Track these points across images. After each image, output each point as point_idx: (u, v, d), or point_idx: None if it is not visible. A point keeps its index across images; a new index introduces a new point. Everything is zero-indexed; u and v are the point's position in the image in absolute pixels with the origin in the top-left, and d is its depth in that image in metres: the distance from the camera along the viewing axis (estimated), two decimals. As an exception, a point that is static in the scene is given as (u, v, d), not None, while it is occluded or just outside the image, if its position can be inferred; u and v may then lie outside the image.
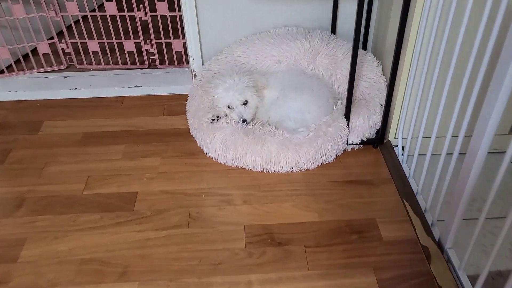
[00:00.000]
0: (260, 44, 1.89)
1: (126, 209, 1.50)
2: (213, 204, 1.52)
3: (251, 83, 1.71)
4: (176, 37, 2.23)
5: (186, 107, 1.90)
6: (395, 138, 1.79)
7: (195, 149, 1.78)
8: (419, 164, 1.53)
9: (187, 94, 1.98)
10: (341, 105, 1.73)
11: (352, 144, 1.74)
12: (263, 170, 1.65)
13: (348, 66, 1.75)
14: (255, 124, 1.68)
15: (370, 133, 1.74)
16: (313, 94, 1.72)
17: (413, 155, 1.57)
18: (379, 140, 1.76)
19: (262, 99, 1.76)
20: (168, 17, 2.16)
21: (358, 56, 1.53)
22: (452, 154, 1.23)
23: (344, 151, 1.73)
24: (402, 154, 1.71)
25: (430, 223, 1.43)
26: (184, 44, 2.21)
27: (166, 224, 1.44)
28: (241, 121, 1.68)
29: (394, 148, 1.76)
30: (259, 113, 1.76)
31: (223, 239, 1.39)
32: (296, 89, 1.73)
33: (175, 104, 2.08)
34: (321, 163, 1.67)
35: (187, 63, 2.26)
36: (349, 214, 1.47)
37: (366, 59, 1.79)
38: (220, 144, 1.66)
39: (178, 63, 2.34)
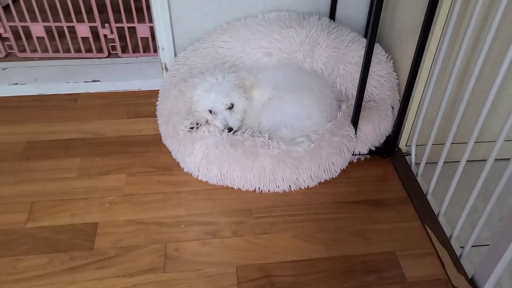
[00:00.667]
0: (247, 33, 1.59)
1: (83, 248, 1.20)
2: (195, 237, 1.24)
3: (238, 83, 1.42)
4: (141, 20, 1.89)
5: (156, 109, 1.58)
6: (406, 145, 1.56)
7: (169, 163, 1.49)
8: (442, 177, 1.31)
9: (158, 91, 1.67)
10: (345, 107, 1.47)
11: (359, 154, 1.49)
12: (254, 190, 1.38)
13: (353, 61, 1.50)
14: (244, 133, 1.40)
15: (379, 141, 1.50)
16: (314, 96, 1.45)
17: (431, 164, 1.34)
18: (389, 149, 1.52)
19: (250, 101, 1.48)
20: (131, -4, 1.81)
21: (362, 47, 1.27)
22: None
23: (349, 163, 1.48)
24: (416, 164, 1.48)
25: (458, 254, 1.22)
26: (151, 29, 1.87)
27: (136, 268, 1.16)
28: (226, 130, 1.39)
29: (406, 157, 1.53)
30: (248, 119, 1.48)
31: (210, 287, 1.12)
32: (292, 89, 1.46)
33: (143, 104, 1.76)
34: (324, 180, 1.42)
35: (155, 51, 1.93)
36: (363, 246, 1.23)
37: (374, 52, 1.53)
38: (202, 158, 1.37)
39: (144, 51, 2.00)
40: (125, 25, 1.90)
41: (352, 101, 1.49)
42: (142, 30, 1.93)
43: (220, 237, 1.25)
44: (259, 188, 1.38)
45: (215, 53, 1.59)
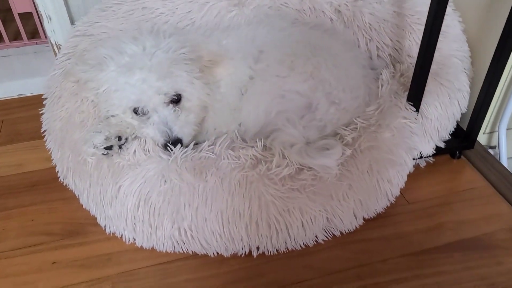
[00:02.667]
0: (194, -30, 0.96)
1: None
2: None
3: (186, 52, 0.79)
4: (14, -16, 1.23)
5: (41, 122, 0.91)
6: (484, 133, 0.99)
7: (77, 220, 0.84)
8: None
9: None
10: (389, 78, 0.87)
11: (419, 158, 0.90)
12: (249, 253, 0.75)
13: (386, -3, 0.91)
14: (214, 145, 0.77)
15: (449, 131, 0.92)
16: (332, 63, 0.84)
17: None
18: (465, 143, 0.95)
19: (215, 88, 0.85)
20: None
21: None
22: None
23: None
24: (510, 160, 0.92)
25: None
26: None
27: None
28: (169, 144, 0.76)
29: (490, 151, 0.97)
30: (215, 119, 0.85)
31: None
32: (292, 55, 0.84)
33: (26, 118, 1.10)
34: (375, 213, 0.81)
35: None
36: None
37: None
38: (136, 205, 0.74)
39: (32, 37, 1.35)
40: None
41: (399, 67, 0.91)
42: (20, 2, 1.26)
43: None
44: (257, 249, 0.75)
45: (141, 10, 0.95)
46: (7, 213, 0.85)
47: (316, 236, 0.77)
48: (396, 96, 0.84)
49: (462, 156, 0.96)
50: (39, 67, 1.23)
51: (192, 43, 0.82)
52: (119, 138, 0.77)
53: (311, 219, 0.74)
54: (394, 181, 0.80)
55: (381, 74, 0.88)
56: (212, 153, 0.76)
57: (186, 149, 0.75)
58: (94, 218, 0.82)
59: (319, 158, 0.74)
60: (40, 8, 1.03)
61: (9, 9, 1.27)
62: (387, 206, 0.83)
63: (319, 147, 0.77)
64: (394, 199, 0.83)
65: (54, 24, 1.05)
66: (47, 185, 0.91)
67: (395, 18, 0.93)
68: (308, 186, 0.73)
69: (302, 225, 0.74)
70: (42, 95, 1.11)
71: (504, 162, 0.96)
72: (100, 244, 0.79)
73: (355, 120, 0.80)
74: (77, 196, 0.84)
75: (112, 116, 0.79)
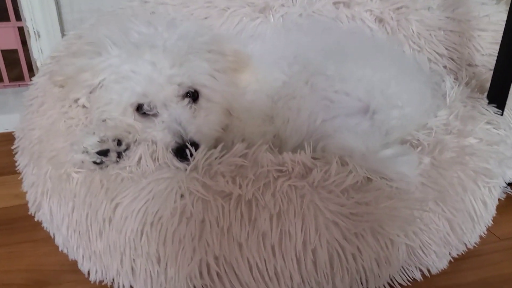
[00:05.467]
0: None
1: None
2: None
3: (206, 42, 0.64)
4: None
5: (15, 135, 0.72)
6: None
7: (47, 266, 0.61)
8: None
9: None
10: (453, 85, 0.73)
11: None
12: (301, 303, 0.53)
13: (435, 4, 0.81)
14: (249, 149, 0.58)
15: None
16: (388, 63, 0.70)
17: None
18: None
19: (241, 95, 0.70)
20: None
21: None
22: None
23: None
24: None
25: None
26: (21, 33, 1.09)
27: None
28: (189, 145, 0.56)
29: None
30: (241, 128, 0.69)
31: None
32: (338, 53, 0.70)
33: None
34: (465, 248, 0.61)
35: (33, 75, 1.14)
36: None
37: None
38: (137, 231, 0.53)
39: (14, 79, 1.22)
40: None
41: (461, 74, 0.77)
42: (4, 38, 1.15)
43: None
44: (312, 294, 0.53)
45: (149, 15, 0.82)
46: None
47: (391, 280, 0.56)
48: (472, 100, 0.68)
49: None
50: (15, 105, 1.08)
51: (215, 40, 0.68)
52: (119, 143, 0.58)
53: (386, 245, 0.53)
54: (490, 202, 0.61)
55: (443, 81, 0.74)
56: (245, 160, 0.57)
57: (211, 152, 0.57)
58: (74, 263, 0.59)
59: (395, 165, 0.56)
60: (28, 23, 0.90)
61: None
62: (476, 243, 0.63)
63: (387, 155, 0.59)
64: (486, 230, 0.63)
65: (43, 42, 0.91)
66: (10, 225, 0.70)
67: (449, 25, 0.81)
68: (384, 199, 0.53)
69: (375, 258, 0.53)
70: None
71: None
72: (80, 299, 0.56)
73: (428, 124, 0.64)
74: (51, 234, 0.63)
75: (109, 118, 0.61)
